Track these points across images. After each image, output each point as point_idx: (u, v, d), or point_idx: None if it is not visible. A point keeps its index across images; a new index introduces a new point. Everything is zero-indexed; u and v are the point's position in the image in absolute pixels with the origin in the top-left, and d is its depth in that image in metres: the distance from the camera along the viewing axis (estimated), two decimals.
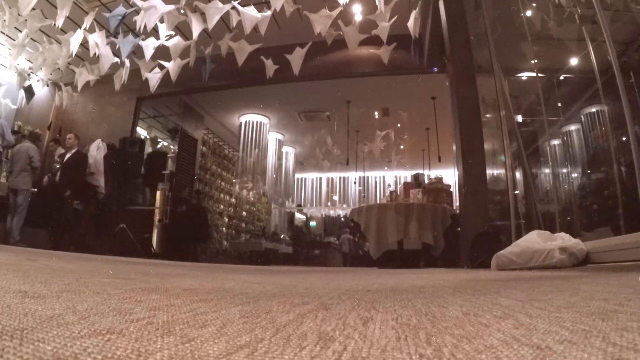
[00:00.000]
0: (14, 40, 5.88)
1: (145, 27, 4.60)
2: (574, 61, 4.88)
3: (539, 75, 4.82)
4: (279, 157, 10.96)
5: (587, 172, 5.93)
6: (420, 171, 9.53)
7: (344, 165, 10.13)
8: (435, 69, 6.56)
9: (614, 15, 3.57)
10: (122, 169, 6.76)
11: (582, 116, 5.97)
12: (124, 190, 6.72)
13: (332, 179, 13.66)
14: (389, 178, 13.04)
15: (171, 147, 9.70)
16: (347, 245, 10.11)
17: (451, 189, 6.41)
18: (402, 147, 10.37)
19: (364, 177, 12.27)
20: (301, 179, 13.61)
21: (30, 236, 5.62)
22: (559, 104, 5.71)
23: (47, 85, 7.74)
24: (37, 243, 5.30)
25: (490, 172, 4.79)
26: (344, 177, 13.41)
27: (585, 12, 3.77)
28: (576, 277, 1.38)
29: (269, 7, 4.78)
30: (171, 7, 4.58)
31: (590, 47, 3.69)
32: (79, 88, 6.09)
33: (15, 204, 5.53)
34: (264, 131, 9.87)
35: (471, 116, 4.56)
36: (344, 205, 13.25)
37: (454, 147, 4.86)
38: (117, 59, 5.44)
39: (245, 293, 0.87)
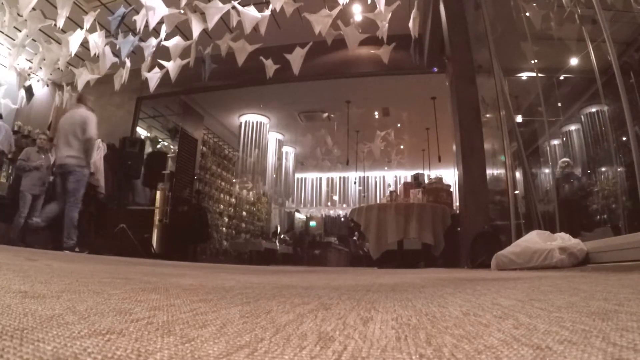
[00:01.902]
0: (14, 40, 5.89)
1: (144, 26, 4.61)
2: (574, 61, 4.88)
3: (539, 75, 4.82)
4: (279, 157, 10.97)
5: (587, 171, 5.94)
6: (420, 171, 9.53)
7: (344, 165, 10.13)
8: (435, 69, 6.56)
9: (614, 15, 3.57)
10: (122, 169, 6.77)
11: (582, 116, 5.98)
12: (124, 190, 6.71)
13: (332, 179, 13.67)
14: (389, 178, 13.04)
15: (171, 147, 9.70)
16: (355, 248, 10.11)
17: (451, 189, 6.41)
18: (402, 147, 10.38)
19: (364, 177, 12.27)
20: (301, 179, 13.62)
21: (31, 236, 5.61)
22: (559, 104, 5.71)
23: (47, 85, 7.74)
24: (38, 243, 5.30)
25: (490, 172, 4.80)
26: (344, 177, 13.42)
27: (585, 12, 3.77)
28: (576, 277, 1.38)
29: (268, 7, 4.78)
30: (171, 10, 4.58)
31: (590, 47, 3.69)
32: (79, 88, 6.09)
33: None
34: (264, 131, 9.87)
35: (471, 116, 4.56)
36: (344, 205, 13.26)
37: (454, 147, 4.86)
38: (116, 59, 5.44)
39: (245, 293, 0.87)
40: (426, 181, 7.20)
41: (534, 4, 4.37)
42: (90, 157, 4.65)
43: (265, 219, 12.43)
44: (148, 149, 8.51)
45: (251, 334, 0.41)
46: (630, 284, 0.97)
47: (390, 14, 4.86)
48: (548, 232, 2.57)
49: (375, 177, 13.18)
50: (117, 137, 7.41)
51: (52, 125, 8.03)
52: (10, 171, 6.58)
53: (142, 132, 9.21)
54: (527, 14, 4.37)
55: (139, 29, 4.75)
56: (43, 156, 5.65)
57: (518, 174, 5.11)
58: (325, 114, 9.46)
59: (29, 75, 7.05)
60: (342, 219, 13.11)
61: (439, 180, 6.52)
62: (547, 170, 6.48)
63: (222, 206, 10.57)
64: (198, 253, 8.22)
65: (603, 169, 5.48)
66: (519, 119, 5.02)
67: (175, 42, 5.27)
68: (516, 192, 4.61)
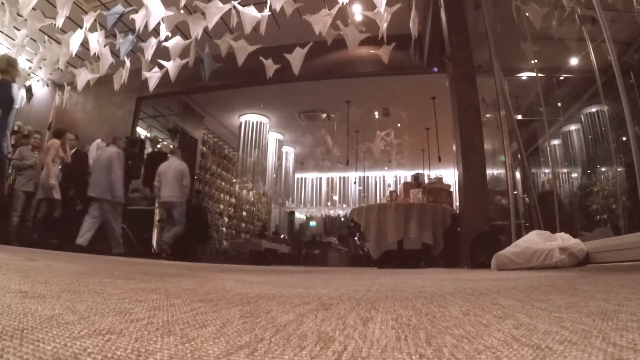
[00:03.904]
0: (14, 40, 5.89)
1: (145, 26, 4.60)
2: (574, 61, 4.88)
3: (539, 75, 4.81)
4: (279, 157, 10.96)
5: (586, 172, 5.94)
6: (420, 171, 9.53)
7: (344, 165, 10.12)
8: (435, 69, 6.56)
9: (614, 15, 3.57)
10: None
11: (582, 116, 5.98)
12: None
13: (332, 179, 13.66)
14: (389, 178, 13.04)
15: (171, 147, 9.70)
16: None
17: (451, 189, 6.41)
18: (402, 147, 10.38)
19: (364, 177, 12.27)
20: (301, 179, 13.62)
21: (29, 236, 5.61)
22: (559, 104, 5.72)
23: (47, 85, 7.73)
24: (39, 243, 5.30)
25: (490, 172, 4.80)
26: (344, 177, 13.41)
27: (585, 12, 3.77)
28: (576, 277, 1.38)
29: (266, 6, 4.76)
30: (171, 10, 4.58)
31: (590, 47, 3.69)
32: (79, 88, 6.09)
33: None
34: (264, 131, 9.87)
35: (471, 116, 4.56)
36: (344, 205, 13.26)
37: (454, 147, 4.86)
38: (114, 60, 5.44)
39: (245, 293, 0.87)
40: (426, 181, 7.19)
41: (534, 4, 4.36)
42: (186, 196, 6.03)
43: (265, 219, 12.43)
44: (148, 149, 8.50)
45: (251, 334, 0.41)
46: (630, 284, 0.97)
47: (388, 17, 4.86)
48: (548, 232, 2.57)
49: (375, 177, 13.18)
50: None
51: (52, 125, 8.04)
52: (10, 171, 6.59)
53: (142, 132, 9.20)
54: (527, 14, 4.37)
55: (139, 29, 4.75)
56: (37, 154, 5.65)
57: (518, 174, 5.11)
58: (325, 114, 9.46)
59: (29, 75, 7.04)
60: (342, 219, 13.11)
61: (439, 180, 6.52)
62: (547, 170, 6.48)
63: (222, 206, 10.57)
64: (198, 253, 8.22)
65: (603, 169, 5.48)
66: (518, 118, 5.02)
67: (175, 42, 5.27)
68: (515, 192, 4.61)
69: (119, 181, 5.50)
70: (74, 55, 5.46)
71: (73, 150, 5.99)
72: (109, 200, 5.34)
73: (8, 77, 4.37)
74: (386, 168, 12.48)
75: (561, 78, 5.32)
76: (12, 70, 4.39)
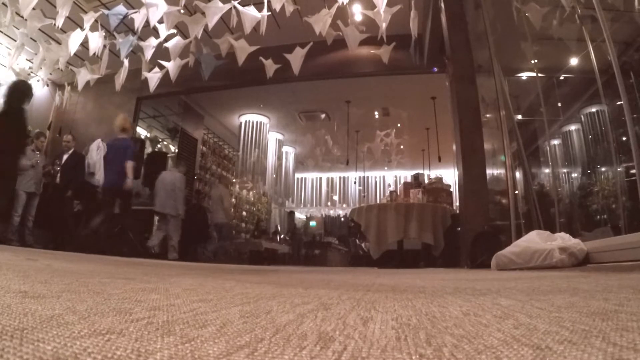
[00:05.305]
0: (15, 40, 5.88)
1: (144, 26, 4.60)
2: (574, 61, 4.88)
3: (539, 75, 4.81)
4: (279, 157, 10.96)
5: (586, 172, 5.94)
6: (420, 171, 9.53)
7: (344, 165, 10.12)
8: (435, 69, 6.56)
9: (614, 15, 3.57)
10: None
11: (582, 116, 5.98)
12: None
13: (332, 179, 13.66)
14: (389, 178, 13.04)
15: (171, 147, 9.70)
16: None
17: (451, 189, 6.41)
18: (402, 147, 10.38)
19: (364, 177, 12.27)
20: (301, 179, 13.62)
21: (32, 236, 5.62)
22: (559, 104, 5.71)
23: (47, 85, 7.73)
24: (39, 243, 5.30)
25: (490, 172, 4.79)
26: (344, 177, 13.41)
27: (585, 12, 3.77)
28: (576, 277, 1.38)
29: (267, 6, 4.75)
30: (173, 8, 4.57)
31: (590, 47, 3.69)
32: (79, 88, 6.09)
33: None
34: (264, 131, 9.87)
35: (471, 116, 4.56)
36: (344, 205, 13.26)
37: (454, 147, 4.86)
38: (113, 59, 5.44)
39: (245, 293, 0.87)
40: (426, 181, 7.19)
41: (534, 4, 4.36)
42: (230, 216, 7.99)
43: (265, 219, 12.44)
44: (148, 149, 8.50)
45: (251, 334, 0.41)
46: (630, 284, 0.97)
47: (388, 17, 4.85)
48: (548, 232, 2.57)
49: (375, 177, 13.18)
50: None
51: (52, 125, 8.03)
52: None
53: (142, 132, 9.20)
54: (527, 14, 4.37)
55: (138, 29, 4.74)
56: (38, 154, 5.65)
57: (518, 174, 5.12)
58: (323, 115, 9.46)
59: (29, 75, 7.04)
60: (342, 219, 13.10)
61: (439, 180, 6.52)
62: (546, 170, 6.49)
63: None
64: (198, 253, 8.21)
65: (603, 169, 5.48)
66: (518, 118, 5.03)
67: (175, 42, 5.26)
68: (515, 192, 4.61)
69: (181, 200, 6.46)
70: (72, 54, 5.46)
71: (70, 151, 5.98)
72: (173, 215, 6.25)
73: (127, 135, 5.15)
74: (386, 168, 12.48)
75: (561, 78, 5.32)
76: (130, 129, 5.07)
